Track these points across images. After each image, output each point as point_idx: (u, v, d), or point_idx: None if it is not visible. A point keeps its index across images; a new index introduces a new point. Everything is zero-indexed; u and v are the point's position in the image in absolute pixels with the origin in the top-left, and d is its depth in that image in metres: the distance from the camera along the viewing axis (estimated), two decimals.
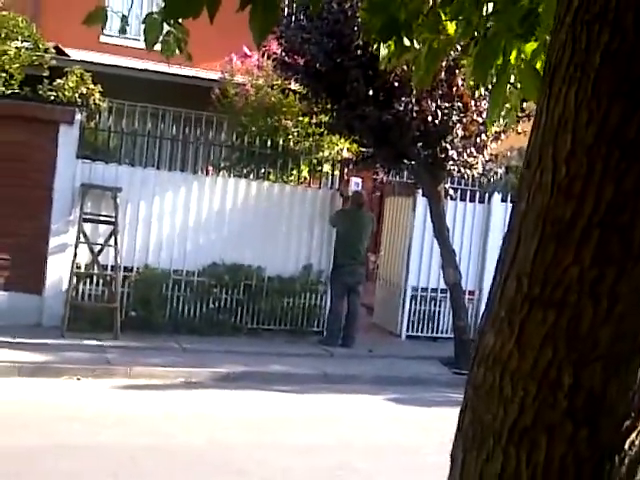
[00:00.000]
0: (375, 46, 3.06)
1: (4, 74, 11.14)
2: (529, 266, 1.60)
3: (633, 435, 1.58)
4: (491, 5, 2.68)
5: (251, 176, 12.11)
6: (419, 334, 12.70)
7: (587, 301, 1.54)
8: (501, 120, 3.26)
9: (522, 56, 2.68)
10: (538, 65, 2.60)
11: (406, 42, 2.84)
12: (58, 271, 10.67)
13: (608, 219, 1.53)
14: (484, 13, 2.70)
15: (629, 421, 1.57)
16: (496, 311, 1.66)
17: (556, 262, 1.57)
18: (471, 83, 3.20)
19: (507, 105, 3.02)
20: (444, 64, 9.50)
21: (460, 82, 10.15)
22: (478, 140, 10.89)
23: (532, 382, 1.58)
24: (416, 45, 2.92)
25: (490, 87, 3.08)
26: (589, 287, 1.54)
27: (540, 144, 1.62)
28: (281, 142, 12.11)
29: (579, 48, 1.55)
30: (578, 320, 1.55)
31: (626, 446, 1.58)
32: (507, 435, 1.61)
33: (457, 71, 9.96)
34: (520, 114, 9.65)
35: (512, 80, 2.84)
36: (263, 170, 12.16)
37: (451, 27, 2.85)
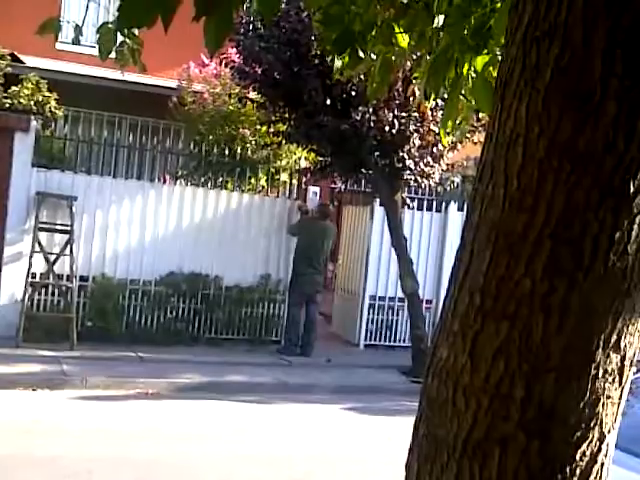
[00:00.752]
0: (330, 57, 3.07)
1: None
2: (482, 279, 1.61)
3: (584, 446, 1.60)
4: (443, 18, 2.69)
5: (208, 185, 12.06)
6: (377, 343, 12.75)
7: (539, 314, 1.56)
8: (454, 131, 3.28)
9: (474, 68, 2.70)
10: (490, 77, 2.62)
11: (360, 54, 2.85)
12: (13, 281, 10.52)
13: (559, 232, 1.54)
14: (437, 25, 2.72)
15: (580, 432, 1.59)
16: (449, 325, 1.67)
17: (508, 275, 1.58)
18: (421, 96, 3.21)
19: (460, 116, 3.05)
20: (401, 74, 9.57)
21: (417, 92, 10.22)
22: (435, 150, 10.99)
23: (485, 395, 1.59)
24: (370, 56, 2.93)
25: (444, 98, 3.10)
26: (540, 300, 1.55)
27: (492, 158, 1.63)
28: (239, 151, 12.10)
29: (529, 63, 1.57)
30: (530, 333, 1.56)
31: (577, 457, 1.60)
32: (461, 448, 1.61)
33: (414, 81, 10.03)
34: (476, 124, 9.78)
35: (465, 92, 2.86)
36: (221, 179, 12.13)
37: (403, 40, 2.86)
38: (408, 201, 12.51)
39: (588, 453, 1.61)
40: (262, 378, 10.03)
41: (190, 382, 9.53)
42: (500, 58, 1.91)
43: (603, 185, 1.53)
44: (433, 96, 2.99)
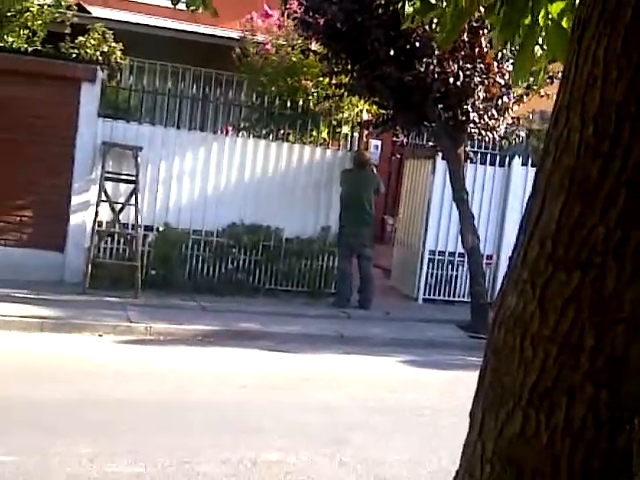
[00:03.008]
0: (400, 4, 3.01)
1: (27, 31, 11.15)
2: (553, 227, 1.58)
3: None
4: None
5: (270, 137, 12.07)
6: (436, 297, 12.70)
7: (612, 263, 1.53)
8: (524, 82, 3.21)
9: (549, 15, 2.63)
10: (566, 25, 2.55)
11: (432, 0, 2.80)
12: (80, 229, 10.75)
13: (636, 179, 1.50)
14: None
15: None
16: (518, 273, 1.65)
17: (581, 223, 1.55)
18: (497, 45, 3.14)
19: (533, 67, 2.97)
20: (467, 25, 9.38)
21: (483, 43, 10.02)
22: (500, 102, 10.78)
23: (553, 344, 1.57)
24: (441, 3, 2.87)
25: (517, 48, 3.02)
26: (614, 248, 1.52)
27: (568, 102, 1.59)
28: (301, 103, 12.05)
29: (609, 4, 1.52)
30: (602, 282, 1.53)
31: None
32: (527, 396, 1.60)
33: (480, 32, 9.84)
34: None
35: (539, 41, 2.79)
36: (282, 131, 12.12)
37: None
38: (471, 155, 12.35)
39: None
40: (320, 329, 10.09)
41: (250, 331, 9.65)
42: (577, 3, 1.85)
43: None
44: (506, 45, 2.92)
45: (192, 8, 2.64)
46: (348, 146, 12.41)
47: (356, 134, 12.46)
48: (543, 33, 2.71)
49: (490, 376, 1.69)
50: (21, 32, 11.07)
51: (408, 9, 2.95)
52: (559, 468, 1.57)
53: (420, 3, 2.83)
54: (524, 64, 2.89)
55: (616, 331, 1.54)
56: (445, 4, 2.87)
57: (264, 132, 12.20)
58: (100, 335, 8.91)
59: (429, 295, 12.70)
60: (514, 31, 2.73)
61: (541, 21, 2.65)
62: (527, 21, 2.70)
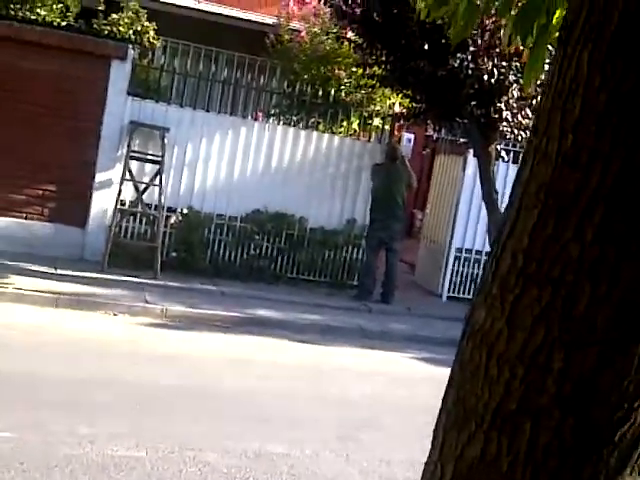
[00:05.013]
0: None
1: (60, 5, 11.16)
2: (526, 240, 1.49)
3: (625, 427, 1.48)
4: None
5: (300, 125, 11.99)
6: (461, 296, 12.55)
7: (585, 281, 1.43)
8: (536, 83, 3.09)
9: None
10: None
11: None
12: (102, 206, 10.75)
13: (614, 194, 1.40)
14: None
15: (621, 412, 1.47)
16: (489, 286, 1.55)
17: (555, 238, 1.45)
18: (505, 43, 3.03)
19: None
20: (504, 21, 9.22)
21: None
22: (534, 102, 10.60)
23: (520, 365, 1.48)
24: None
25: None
26: (589, 266, 1.43)
27: (549, 109, 1.50)
28: (333, 92, 11.95)
29: (597, 6, 1.42)
30: (574, 301, 1.44)
31: (616, 438, 1.48)
32: (490, 419, 1.51)
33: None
34: None
35: (552, 42, 2.67)
36: (313, 119, 12.04)
37: None
38: (503, 153, 12.17)
39: (629, 436, 1.48)
40: (340, 321, 10.02)
41: (269, 319, 9.60)
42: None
43: None
44: (519, 42, 2.81)
45: None
46: (379, 138, 12.29)
47: (387, 127, 12.33)
48: (555, 34, 2.59)
49: (454, 393, 1.60)
50: (54, 6, 11.08)
51: (420, 4, 2.85)
52: None
53: None
54: (535, 65, 2.77)
55: (588, 354, 1.45)
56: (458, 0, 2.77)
57: (294, 120, 12.14)
58: (115, 314, 8.91)
59: (454, 293, 12.57)
60: (527, 31, 2.61)
61: (555, 22, 2.53)
62: (543, 20, 2.58)
